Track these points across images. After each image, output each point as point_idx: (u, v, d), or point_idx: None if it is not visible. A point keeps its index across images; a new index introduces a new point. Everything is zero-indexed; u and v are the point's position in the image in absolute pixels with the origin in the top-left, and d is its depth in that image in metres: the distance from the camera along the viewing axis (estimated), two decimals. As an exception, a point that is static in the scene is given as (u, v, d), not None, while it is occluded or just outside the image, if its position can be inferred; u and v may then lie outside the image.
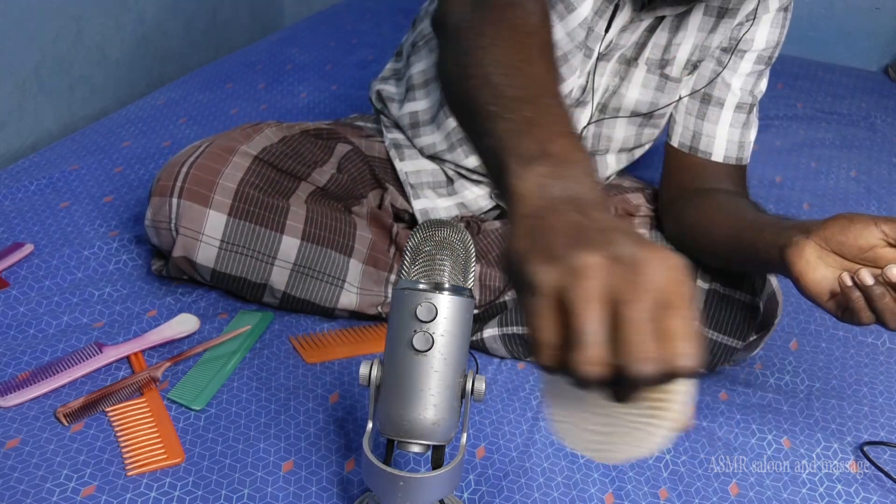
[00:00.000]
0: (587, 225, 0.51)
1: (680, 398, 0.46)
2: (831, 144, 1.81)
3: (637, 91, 1.07)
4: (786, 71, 2.18)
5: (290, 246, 1.03)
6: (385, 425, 0.71)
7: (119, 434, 0.89)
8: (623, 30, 1.01)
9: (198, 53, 2.00)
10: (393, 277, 1.10)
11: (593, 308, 0.46)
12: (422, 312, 0.70)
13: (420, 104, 1.16)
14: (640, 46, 1.04)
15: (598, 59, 1.04)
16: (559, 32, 0.99)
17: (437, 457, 0.73)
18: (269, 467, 0.88)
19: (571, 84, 1.05)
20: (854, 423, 1.04)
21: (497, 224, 1.15)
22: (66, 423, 0.90)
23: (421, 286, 0.72)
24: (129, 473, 0.84)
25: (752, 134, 1.09)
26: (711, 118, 1.07)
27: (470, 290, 0.74)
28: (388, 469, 0.71)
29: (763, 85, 1.09)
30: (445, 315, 0.71)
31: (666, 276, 0.47)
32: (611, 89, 1.07)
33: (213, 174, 1.01)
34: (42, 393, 0.93)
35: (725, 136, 1.07)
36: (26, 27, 1.45)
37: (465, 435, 0.75)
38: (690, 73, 1.06)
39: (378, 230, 1.11)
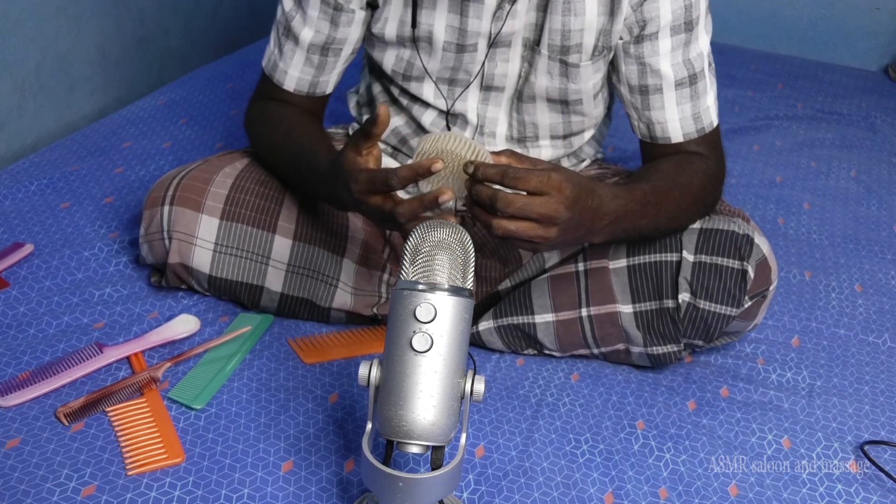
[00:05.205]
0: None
1: None
2: (831, 144, 1.80)
3: (544, 78, 1.06)
4: (786, 71, 2.18)
5: (282, 246, 1.04)
6: (384, 426, 0.71)
7: (119, 434, 0.89)
8: (499, 8, 1.00)
9: (198, 53, 2.00)
10: (386, 277, 1.10)
11: None
12: (421, 313, 0.71)
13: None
14: (539, 28, 1.03)
15: (493, 45, 1.03)
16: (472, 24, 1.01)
17: (437, 457, 0.73)
18: (268, 467, 0.88)
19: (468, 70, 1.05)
20: (855, 422, 1.04)
21: None
22: (67, 423, 0.90)
23: (420, 287, 0.72)
24: (129, 473, 0.85)
25: (709, 98, 1.07)
26: (656, 106, 1.06)
27: (469, 290, 0.74)
28: (388, 470, 0.71)
29: (700, 47, 1.05)
30: (445, 315, 0.71)
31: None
32: (522, 76, 1.06)
33: (205, 182, 1.04)
34: (42, 393, 0.93)
35: (677, 117, 1.06)
36: (26, 27, 1.45)
37: (464, 435, 0.75)
38: (592, 59, 1.04)
39: (371, 230, 1.11)
